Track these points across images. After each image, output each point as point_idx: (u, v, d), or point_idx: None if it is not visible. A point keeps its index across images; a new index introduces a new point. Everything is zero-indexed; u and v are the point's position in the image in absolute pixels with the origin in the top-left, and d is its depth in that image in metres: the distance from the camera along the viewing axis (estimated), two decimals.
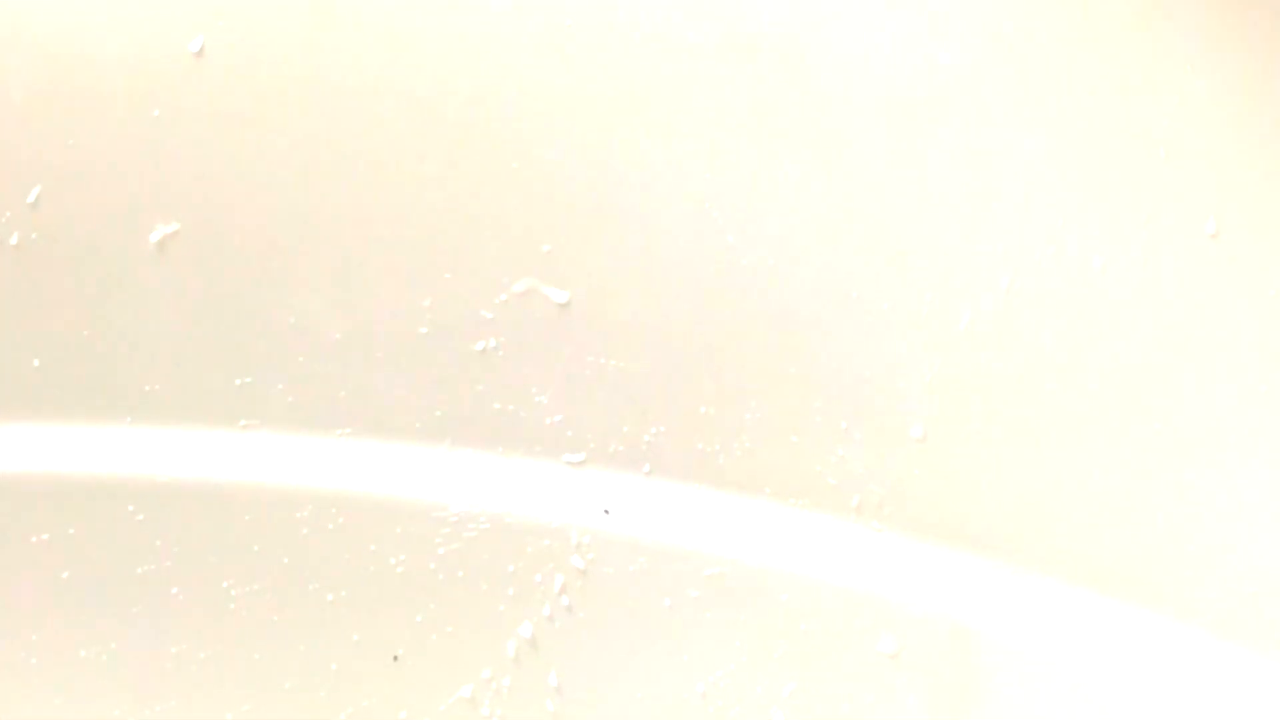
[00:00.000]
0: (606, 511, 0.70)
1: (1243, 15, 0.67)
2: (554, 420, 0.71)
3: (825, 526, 0.70)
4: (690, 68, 0.68)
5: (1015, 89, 0.67)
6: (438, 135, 0.68)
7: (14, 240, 0.67)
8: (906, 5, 0.67)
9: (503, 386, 0.71)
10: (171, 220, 0.68)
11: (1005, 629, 0.68)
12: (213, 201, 0.67)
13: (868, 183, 0.68)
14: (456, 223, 0.69)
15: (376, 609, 0.71)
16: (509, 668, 0.71)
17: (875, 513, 0.70)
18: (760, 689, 0.71)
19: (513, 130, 0.68)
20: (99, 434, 0.70)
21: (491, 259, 0.69)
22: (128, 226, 0.68)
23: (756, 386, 0.70)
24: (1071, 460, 0.68)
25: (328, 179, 0.68)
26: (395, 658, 0.71)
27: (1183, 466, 0.67)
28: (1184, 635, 0.67)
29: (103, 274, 0.68)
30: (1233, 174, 0.67)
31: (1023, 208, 0.68)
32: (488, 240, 0.69)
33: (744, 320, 0.69)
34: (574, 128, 0.68)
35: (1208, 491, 0.67)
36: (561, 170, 0.69)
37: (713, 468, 0.71)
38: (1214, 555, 0.67)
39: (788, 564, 0.70)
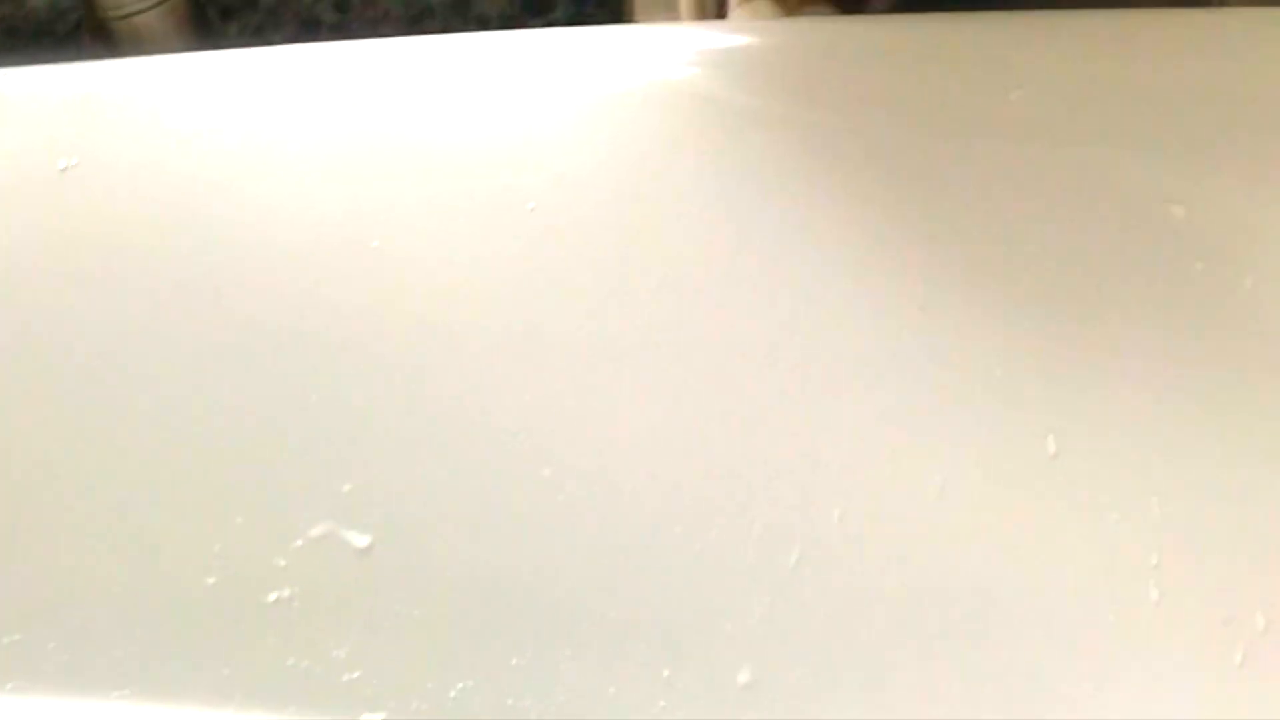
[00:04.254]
0: None
1: (1079, 237, 0.64)
2: (351, 677, 0.65)
3: None
4: (496, 296, 0.65)
5: (845, 313, 0.64)
6: (227, 364, 0.65)
7: None
8: (732, 263, 0.64)
9: (297, 640, 0.65)
10: None
11: None
12: None
13: (690, 409, 0.65)
14: (249, 461, 0.65)
15: None
16: None
17: None
18: None
19: (309, 359, 0.65)
20: None
21: (286, 501, 0.65)
22: None
23: (573, 633, 0.64)
24: (917, 701, 0.62)
25: (99, 419, 0.64)
26: None
27: (1033, 694, 0.61)
28: None
29: None
30: (1070, 392, 0.63)
31: (855, 433, 0.64)
32: (283, 480, 0.65)
33: (559, 561, 0.65)
34: (375, 357, 0.65)
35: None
36: (364, 403, 0.65)
37: None
38: None
39: None
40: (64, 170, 0.67)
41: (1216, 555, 0.61)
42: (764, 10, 0.71)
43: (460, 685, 0.65)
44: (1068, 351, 0.63)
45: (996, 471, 0.63)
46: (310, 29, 1.12)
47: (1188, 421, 0.61)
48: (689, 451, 0.64)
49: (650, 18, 0.94)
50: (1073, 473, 0.63)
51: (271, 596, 0.65)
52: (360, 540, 0.65)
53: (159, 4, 0.94)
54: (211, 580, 0.65)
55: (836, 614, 0.63)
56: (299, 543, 0.65)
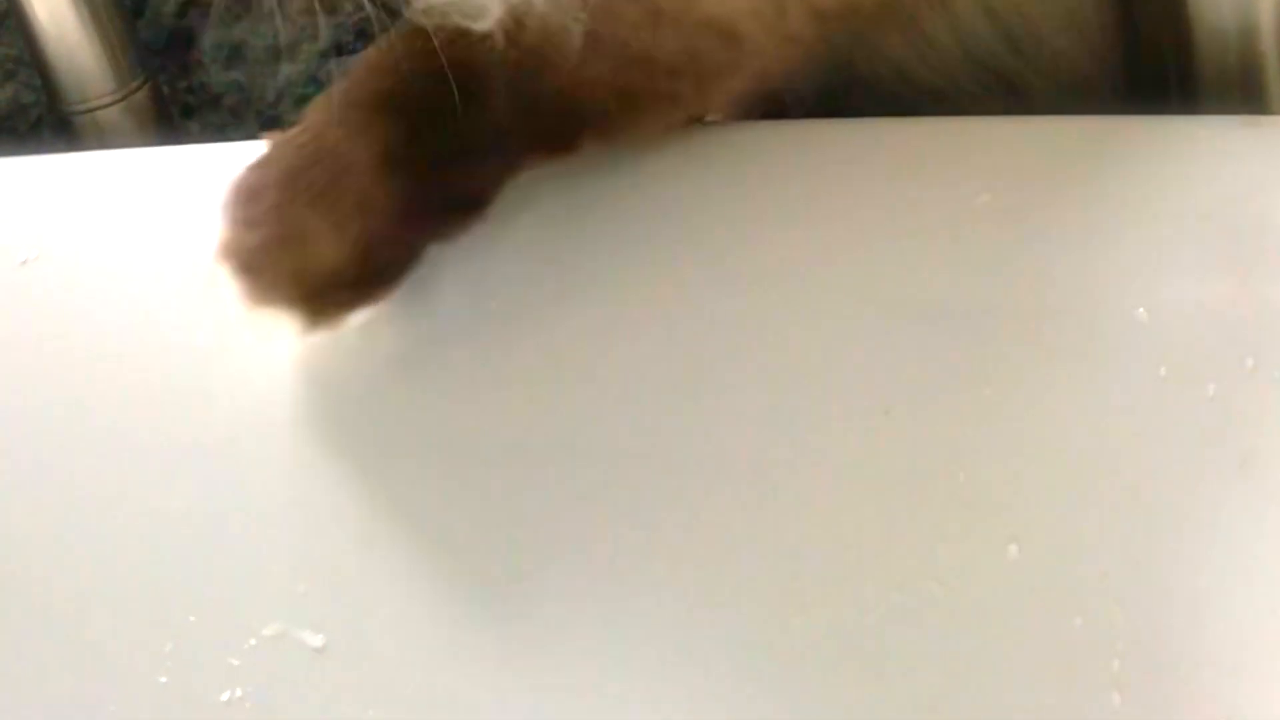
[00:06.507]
0: None
1: (1044, 340, 0.64)
2: None
3: None
4: (448, 395, 0.65)
5: (807, 418, 0.64)
6: (181, 463, 0.65)
7: None
8: (694, 367, 0.64)
9: None
10: None
11: None
12: None
13: (647, 514, 0.64)
14: (202, 559, 0.65)
15: None
16: None
17: None
18: None
19: (264, 457, 0.65)
20: None
21: (240, 600, 0.64)
22: None
23: None
24: None
25: (51, 516, 0.64)
26: None
27: None
28: None
29: None
30: (1033, 497, 0.63)
31: (815, 540, 0.64)
32: (236, 579, 0.65)
33: (512, 669, 0.64)
34: (329, 456, 0.65)
35: None
36: (319, 502, 0.65)
37: None
38: None
39: None
40: (24, 264, 0.67)
41: (1178, 662, 0.61)
42: None
43: None
44: (1030, 455, 0.63)
45: (958, 575, 0.63)
46: (272, 127, 1.12)
47: (1150, 527, 0.61)
48: (646, 555, 0.63)
49: None
50: (1035, 578, 0.62)
51: (224, 696, 0.64)
52: (314, 640, 0.64)
53: (121, 100, 0.94)
54: (164, 679, 0.64)
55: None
56: (252, 642, 0.64)
